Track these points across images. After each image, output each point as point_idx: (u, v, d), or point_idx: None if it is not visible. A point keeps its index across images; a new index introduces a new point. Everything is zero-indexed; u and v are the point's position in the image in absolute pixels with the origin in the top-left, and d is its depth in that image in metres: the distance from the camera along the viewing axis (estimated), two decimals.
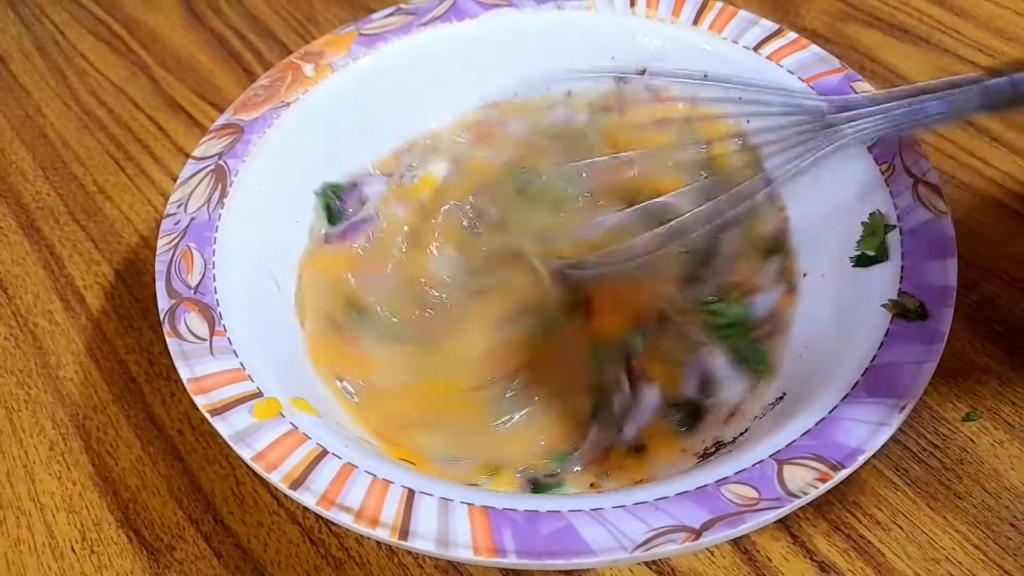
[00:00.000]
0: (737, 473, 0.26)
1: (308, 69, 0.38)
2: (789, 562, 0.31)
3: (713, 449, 0.31)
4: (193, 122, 0.48)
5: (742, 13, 0.39)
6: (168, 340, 0.29)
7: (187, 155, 0.45)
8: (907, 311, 0.29)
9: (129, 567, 0.32)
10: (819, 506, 0.31)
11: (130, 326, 0.39)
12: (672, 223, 0.35)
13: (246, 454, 0.26)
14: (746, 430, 0.31)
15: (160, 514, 0.33)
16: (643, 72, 0.39)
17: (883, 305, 0.29)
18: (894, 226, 0.31)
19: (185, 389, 0.28)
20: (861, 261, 0.31)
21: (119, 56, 0.52)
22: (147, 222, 0.43)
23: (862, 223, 0.32)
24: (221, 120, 0.36)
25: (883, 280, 0.30)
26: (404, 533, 0.25)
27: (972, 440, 0.33)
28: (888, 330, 0.29)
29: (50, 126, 0.48)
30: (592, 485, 0.31)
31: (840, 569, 0.30)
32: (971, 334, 0.36)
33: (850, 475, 0.26)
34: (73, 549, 0.32)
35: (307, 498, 0.25)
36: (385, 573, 0.31)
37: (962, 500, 0.32)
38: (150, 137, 0.47)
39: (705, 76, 0.37)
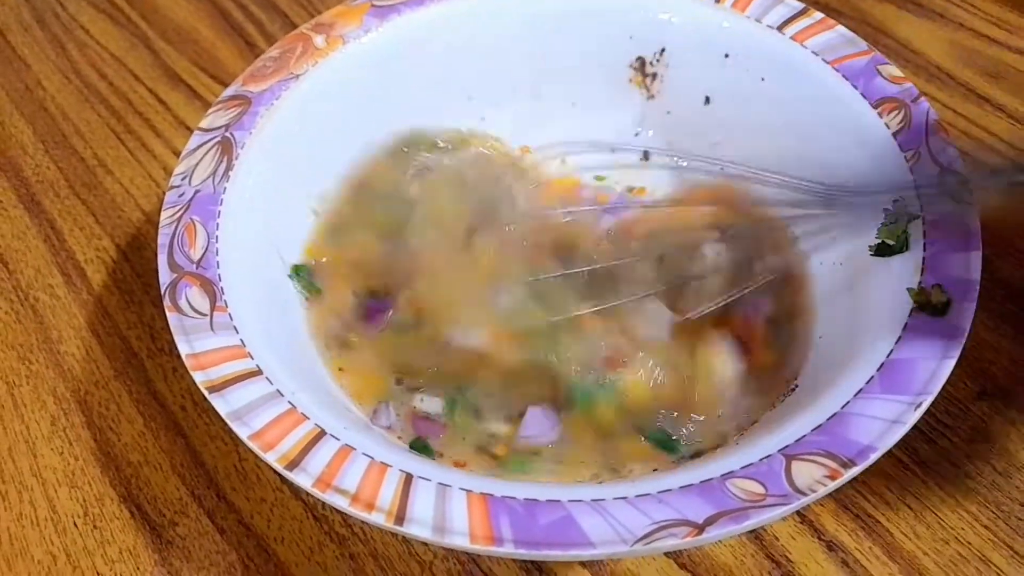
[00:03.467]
0: (744, 468, 0.25)
1: (319, 40, 0.37)
2: (796, 541, 0.30)
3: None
4: (194, 94, 0.47)
5: None
6: (168, 315, 0.28)
7: (188, 128, 0.45)
8: (931, 305, 0.28)
9: (132, 542, 0.32)
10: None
11: (131, 301, 0.39)
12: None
13: (243, 433, 0.26)
14: (755, 421, 0.30)
15: (162, 490, 0.33)
16: (662, 52, 0.38)
17: (908, 288, 0.28)
18: (917, 216, 0.30)
19: (186, 365, 0.28)
20: (880, 250, 0.30)
21: (119, 28, 0.51)
22: (148, 196, 0.43)
23: (884, 210, 0.31)
24: (229, 91, 0.36)
25: (903, 271, 0.29)
26: (400, 518, 0.24)
27: (983, 420, 0.33)
28: (906, 323, 0.27)
29: (50, 99, 0.48)
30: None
31: (848, 548, 0.30)
32: (983, 313, 0.35)
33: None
34: (75, 524, 0.32)
35: (303, 479, 0.25)
36: (389, 550, 0.31)
37: (972, 480, 0.31)
38: (150, 110, 0.46)
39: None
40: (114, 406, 0.35)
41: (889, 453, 0.32)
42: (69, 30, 0.51)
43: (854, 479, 0.31)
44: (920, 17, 0.47)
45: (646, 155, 0.39)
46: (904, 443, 0.32)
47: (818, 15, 0.37)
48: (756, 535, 0.31)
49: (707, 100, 0.38)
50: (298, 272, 0.34)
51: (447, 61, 0.39)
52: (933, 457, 0.32)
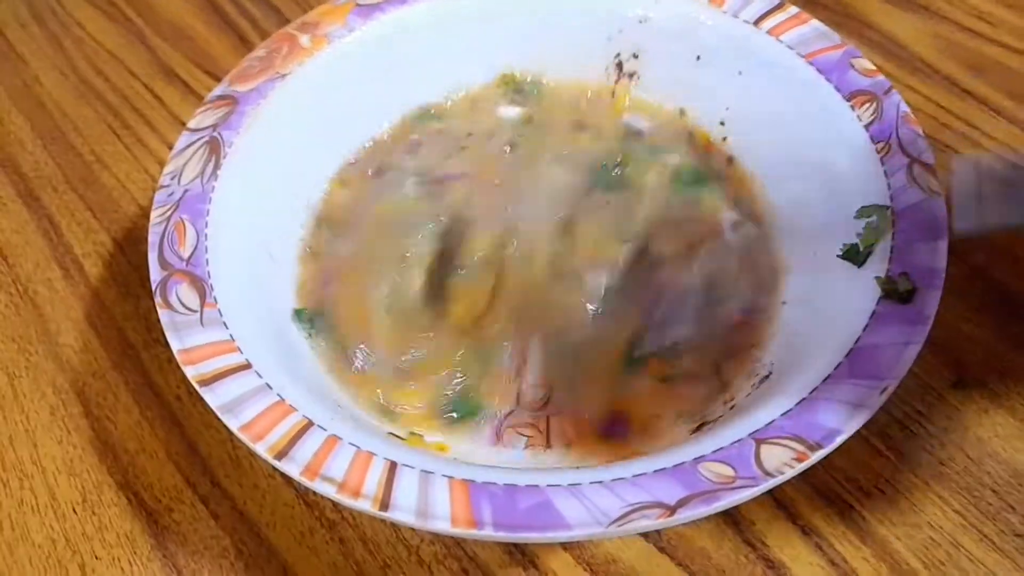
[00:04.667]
0: (715, 451, 0.26)
1: (304, 40, 0.38)
2: (773, 525, 0.31)
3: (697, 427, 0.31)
4: (189, 90, 0.48)
5: None
6: (159, 311, 0.29)
7: (183, 124, 0.45)
8: (898, 293, 0.29)
9: (129, 528, 0.33)
10: (803, 471, 0.32)
11: (128, 293, 0.39)
12: None
13: (233, 424, 0.27)
14: (732, 407, 0.31)
15: (159, 477, 0.34)
16: (639, 49, 0.39)
17: (876, 277, 0.29)
18: (887, 207, 0.31)
19: (178, 360, 0.29)
20: (850, 254, 0.31)
21: (116, 24, 0.52)
22: (144, 191, 0.43)
23: (858, 210, 0.32)
24: (216, 91, 0.36)
25: (872, 260, 0.30)
26: (385, 504, 0.25)
27: (958, 408, 0.33)
28: (874, 311, 0.28)
29: (48, 95, 0.48)
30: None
31: (823, 532, 0.31)
32: (960, 303, 0.36)
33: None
34: (74, 510, 0.33)
35: (291, 468, 0.26)
36: (377, 535, 0.32)
37: (945, 467, 0.32)
38: (146, 106, 0.47)
39: None
40: (111, 396, 0.36)
41: (864, 440, 0.33)
42: (66, 27, 0.52)
43: (831, 466, 0.32)
44: (904, 10, 0.48)
45: None
46: (879, 429, 0.33)
47: (794, 9, 0.37)
48: (734, 520, 0.31)
49: (684, 96, 0.39)
50: (299, 315, 0.34)
51: (430, 60, 0.39)
52: (907, 444, 0.33)
